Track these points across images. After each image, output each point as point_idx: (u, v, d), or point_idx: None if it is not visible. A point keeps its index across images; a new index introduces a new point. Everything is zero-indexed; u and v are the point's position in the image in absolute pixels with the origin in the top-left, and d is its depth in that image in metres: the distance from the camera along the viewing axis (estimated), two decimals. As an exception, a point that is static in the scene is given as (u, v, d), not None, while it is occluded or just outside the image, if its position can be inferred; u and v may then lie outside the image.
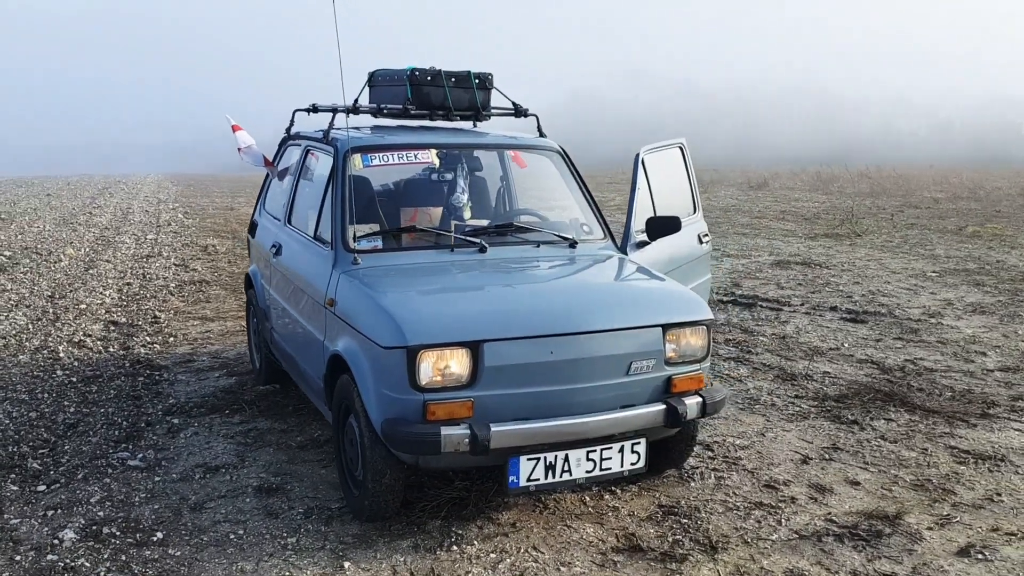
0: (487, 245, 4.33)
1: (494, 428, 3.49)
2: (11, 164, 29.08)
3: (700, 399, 3.88)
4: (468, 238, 4.38)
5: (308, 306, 4.42)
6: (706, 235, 5.71)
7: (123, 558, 3.56)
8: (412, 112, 4.87)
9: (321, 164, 4.83)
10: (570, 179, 4.93)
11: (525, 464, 3.60)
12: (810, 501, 4.14)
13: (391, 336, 3.52)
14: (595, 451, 3.71)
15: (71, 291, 8.97)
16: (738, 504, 4.09)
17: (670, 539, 3.74)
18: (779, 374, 6.13)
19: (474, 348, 3.52)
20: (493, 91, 5.12)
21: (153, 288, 9.19)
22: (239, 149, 5.63)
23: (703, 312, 3.98)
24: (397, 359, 3.48)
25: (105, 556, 3.57)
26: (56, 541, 3.68)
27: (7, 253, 11.71)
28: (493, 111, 5.14)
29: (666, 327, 3.84)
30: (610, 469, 3.76)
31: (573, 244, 4.55)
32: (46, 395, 5.61)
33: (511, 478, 3.60)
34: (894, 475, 4.43)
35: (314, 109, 4.97)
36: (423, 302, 3.87)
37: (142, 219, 16.02)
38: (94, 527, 3.80)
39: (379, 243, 4.30)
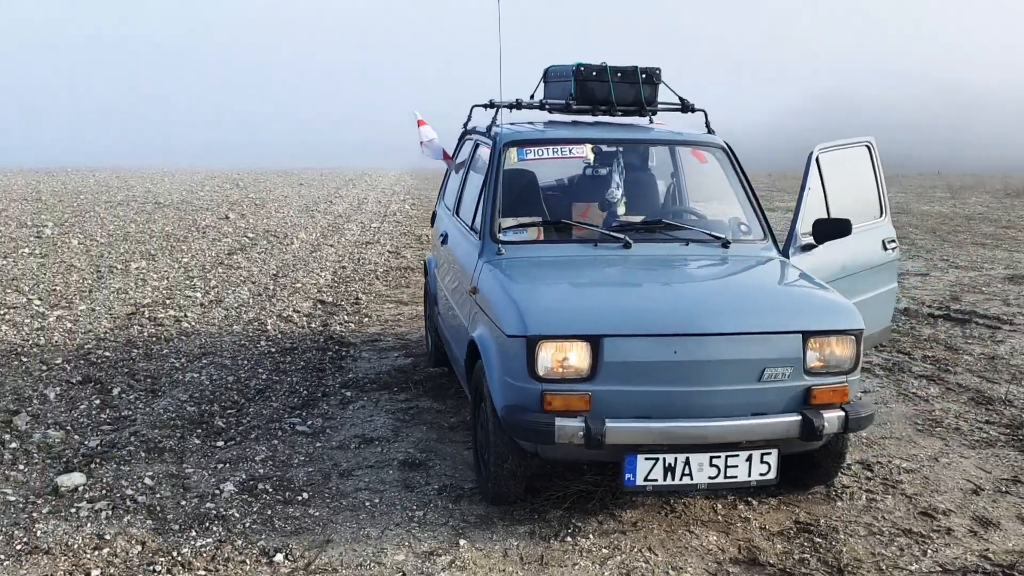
0: (631, 241, 4.30)
1: (609, 423, 3.49)
2: (278, 157, 31.91)
3: (842, 413, 3.67)
4: (613, 233, 4.37)
5: (459, 293, 4.60)
6: (892, 241, 5.34)
7: (268, 513, 3.88)
8: (574, 107, 4.91)
9: (485, 157, 4.99)
10: (733, 177, 4.79)
11: (643, 463, 3.57)
12: (968, 534, 3.80)
13: (515, 325, 3.60)
14: (719, 457, 3.61)
15: (292, 271, 9.76)
16: (884, 529, 3.83)
17: (796, 556, 3.58)
18: (974, 396, 5.63)
19: (594, 342, 3.53)
20: (662, 87, 5.05)
21: (363, 272, 9.84)
22: (421, 143, 5.93)
23: (851, 321, 3.75)
24: (518, 348, 3.55)
25: (254, 509, 3.91)
26: (217, 491, 4.07)
27: (250, 235, 12.92)
28: (660, 107, 5.08)
29: (807, 334, 3.66)
30: (736, 477, 3.64)
31: (726, 244, 4.42)
32: (245, 362, 6.18)
33: (627, 476, 3.57)
34: (1076, 516, 3.98)
35: (491, 105, 5.10)
36: (551, 294, 3.92)
37: (373, 209, 17.10)
38: (252, 482, 4.17)
39: (525, 235, 4.38)
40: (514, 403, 3.61)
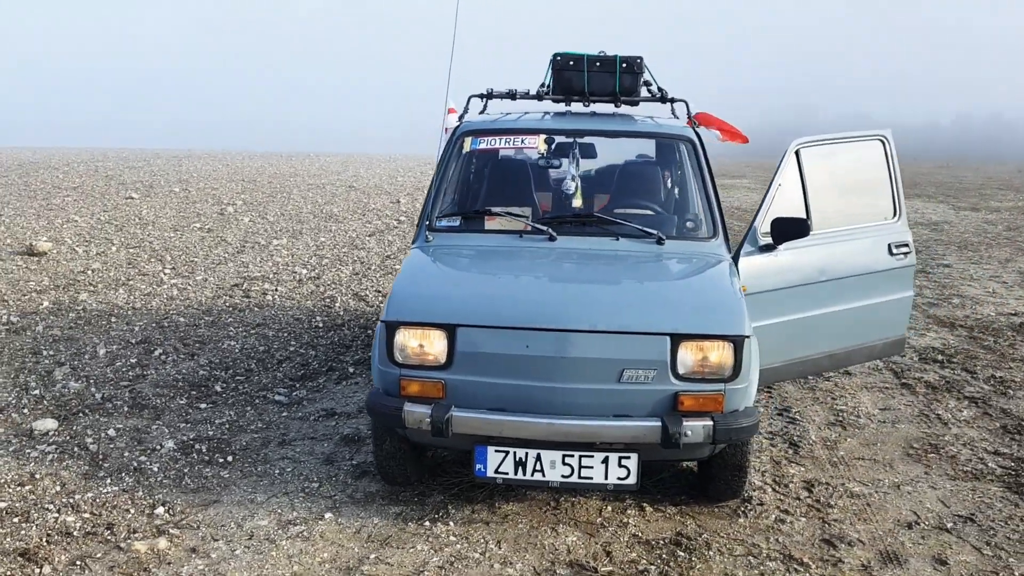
0: (556, 235, 4.24)
1: (455, 412, 3.51)
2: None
3: (710, 423, 3.47)
4: (537, 226, 4.33)
5: None
6: (903, 245, 4.87)
7: (185, 471, 4.22)
8: (545, 96, 4.88)
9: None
10: (695, 171, 4.57)
11: (493, 455, 3.57)
12: (856, 569, 3.48)
13: (385, 310, 3.70)
14: (572, 456, 3.54)
15: (404, 254, 10.22)
16: (765, 552, 3.58)
17: (639, 568, 3.44)
18: (1008, 425, 5.02)
19: (450, 331, 3.56)
20: (645, 75, 4.91)
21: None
22: (445, 130, 6.07)
23: (727, 326, 3.52)
24: (382, 333, 3.66)
25: (175, 466, 4.27)
26: (159, 447, 4.47)
27: (403, 219, 13.60)
28: (648, 96, 4.94)
29: (677, 337, 3.49)
30: (591, 479, 3.55)
31: (660, 240, 4.25)
32: (287, 334, 6.63)
33: (478, 466, 3.59)
34: (1007, 559, 3.52)
35: (489, 95, 5.12)
36: (426, 282, 3.96)
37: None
38: (192, 442, 4.54)
39: (456, 223, 4.43)
40: (380, 387, 3.71)
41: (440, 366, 3.57)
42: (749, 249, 4.36)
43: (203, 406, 5.10)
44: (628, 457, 3.53)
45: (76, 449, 4.39)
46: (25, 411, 4.89)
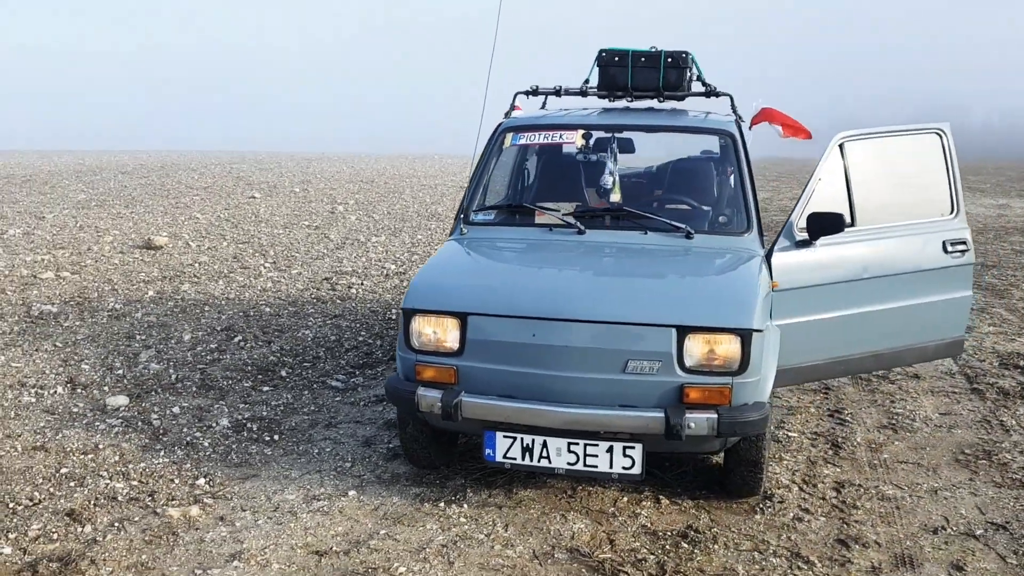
0: (585, 229, 4.31)
1: (465, 398, 3.64)
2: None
3: (714, 416, 3.47)
4: (565, 219, 4.39)
5: None
6: (960, 243, 4.68)
7: (233, 447, 4.49)
8: (589, 92, 4.95)
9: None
10: (733, 165, 4.54)
11: (501, 440, 3.68)
12: (866, 570, 3.41)
13: (404, 299, 3.87)
14: (578, 444, 3.60)
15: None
16: (773, 549, 3.54)
17: (637, 557, 3.47)
18: (1076, 434, 4.75)
19: (463, 320, 3.69)
20: (688, 70, 4.91)
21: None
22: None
23: (733, 319, 3.51)
24: (402, 320, 3.82)
25: (225, 442, 4.55)
26: (215, 424, 4.78)
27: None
28: (693, 92, 4.94)
29: (683, 329, 3.51)
30: (596, 467, 3.61)
31: (689, 235, 4.25)
32: (359, 325, 6.90)
33: (487, 451, 3.70)
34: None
35: (535, 92, 5.21)
36: (447, 272, 4.09)
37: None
38: (246, 422, 4.82)
39: (491, 216, 4.55)
40: (400, 372, 3.88)
41: (453, 353, 3.70)
42: (784, 244, 4.29)
43: (265, 389, 5.40)
44: (633, 447, 3.57)
45: (141, 424, 4.74)
46: (105, 388, 5.29)
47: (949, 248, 4.65)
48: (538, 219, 4.46)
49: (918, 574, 3.39)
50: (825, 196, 4.39)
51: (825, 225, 4.20)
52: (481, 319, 3.66)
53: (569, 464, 3.62)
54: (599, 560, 3.42)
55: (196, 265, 9.31)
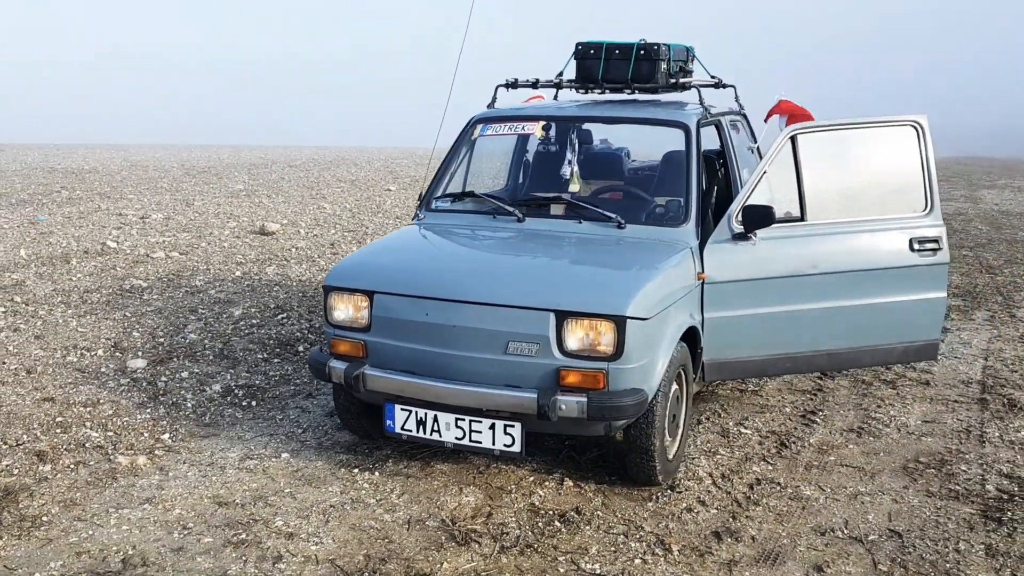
0: (524, 216, 4.45)
1: (367, 371, 3.91)
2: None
3: (583, 399, 3.57)
4: (506, 207, 4.54)
5: None
6: (930, 241, 4.47)
7: (212, 409, 4.93)
8: (565, 85, 5.06)
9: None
10: (688, 159, 4.53)
11: (399, 413, 3.91)
12: (723, 564, 3.41)
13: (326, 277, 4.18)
14: (464, 420, 3.79)
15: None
16: (641, 536, 3.59)
17: (504, 530, 3.62)
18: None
19: (371, 297, 3.96)
20: (662, 63, 4.93)
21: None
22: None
23: (611, 306, 3.59)
24: (323, 297, 4.14)
25: (205, 404, 5.00)
26: (208, 389, 5.26)
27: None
28: (686, 83, 4.96)
29: (562, 314, 3.63)
30: (480, 443, 3.79)
31: (620, 225, 4.31)
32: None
33: (388, 422, 3.95)
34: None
35: (514, 84, 5.38)
36: (373, 253, 4.34)
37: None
38: (236, 388, 5.27)
39: (447, 203, 4.77)
40: (322, 346, 4.19)
41: (362, 328, 3.97)
42: (721, 237, 4.27)
43: (275, 361, 5.85)
44: (513, 426, 3.71)
45: (146, 384, 5.28)
46: (139, 353, 5.90)
47: (916, 246, 4.45)
48: (482, 207, 4.63)
49: (776, 571, 3.34)
50: (775, 190, 4.32)
51: (755, 218, 4.16)
52: (385, 297, 3.90)
53: (457, 439, 3.80)
54: (464, 530, 3.59)
55: (292, 250, 9.98)
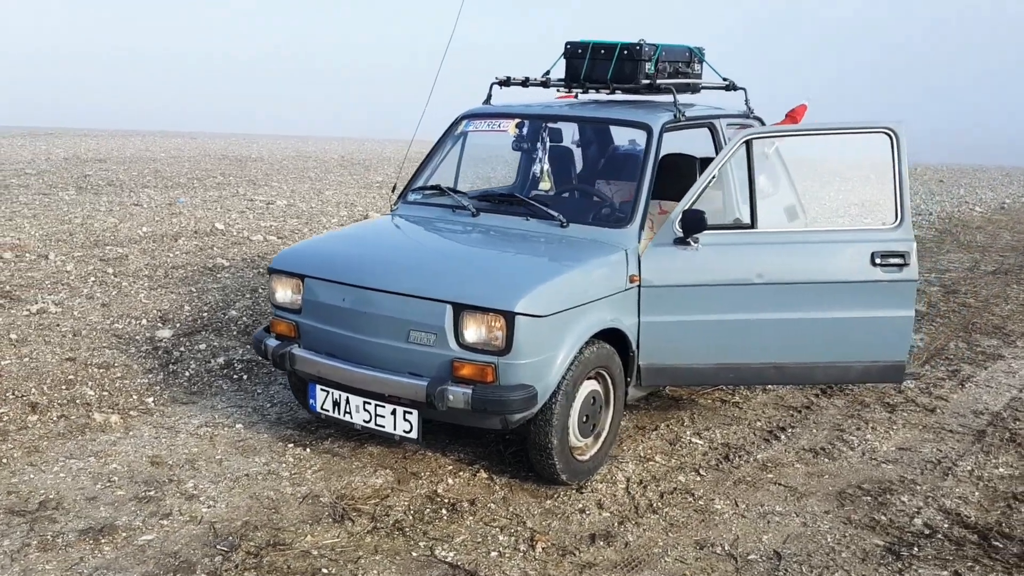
0: (478, 211, 4.55)
1: (293, 350, 4.14)
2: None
3: (469, 390, 3.66)
4: (462, 202, 4.63)
5: None
6: (896, 256, 4.21)
7: (205, 379, 5.30)
8: (552, 83, 5.10)
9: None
10: (645, 162, 4.48)
11: (319, 393, 4.12)
12: (579, 567, 3.41)
13: None
14: (371, 404, 3.95)
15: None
16: (518, 532, 3.63)
17: (391, 512, 3.75)
18: (1019, 493, 4.09)
19: (302, 280, 4.18)
20: (647, 63, 4.87)
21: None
22: None
23: (502, 301, 3.64)
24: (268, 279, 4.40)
25: (200, 375, 5.37)
26: (212, 360, 5.65)
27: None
28: (662, 83, 4.90)
29: (459, 306, 3.72)
30: (384, 427, 3.93)
31: (563, 224, 4.33)
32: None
33: (311, 400, 4.16)
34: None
35: (507, 82, 5.46)
36: (319, 240, 4.55)
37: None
38: (235, 362, 5.63)
39: (419, 197, 4.92)
40: (267, 325, 4.46)
41: (296, 310, 4.19)
42: (663, 241, 4.20)
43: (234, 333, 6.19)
44: (411, 413, 3.83)
45: (162, 353, 5.74)
46: (176, 324, 6.39)
47: (879, 260, 4.21)
48: (446, 201, 4.75)
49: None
50: (727, 196, 4.22)
51: (691, 223, 4.08)
52: (313, 281, 4.11)
53: (364, 421, 3.96)
54: (349, 507, 3.74)
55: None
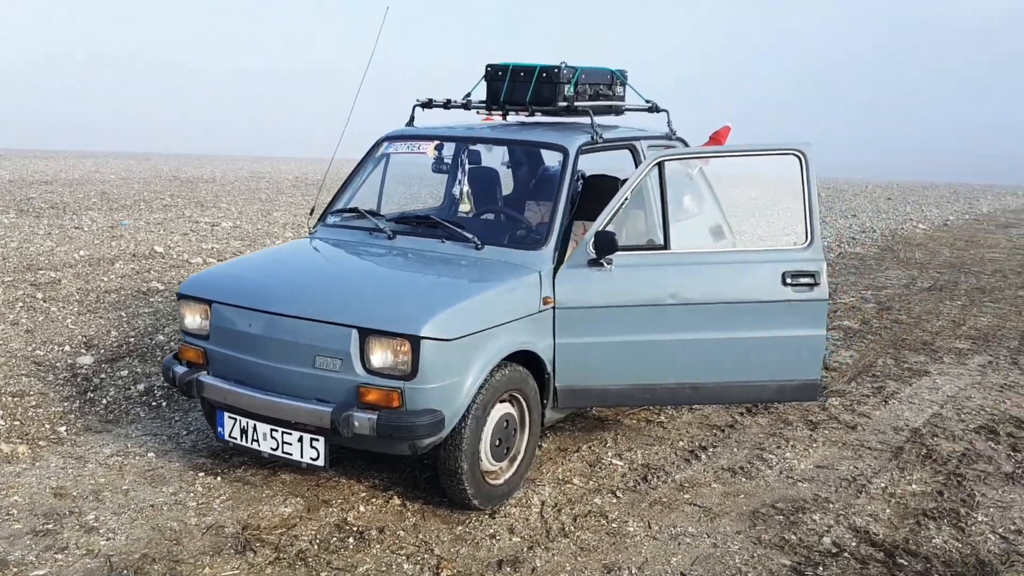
0: (394, 234, 4.51)
1: (201, 377, 4.06)
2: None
3: (374, 416, 3.60)
4: (379, 225, 4.59)
5: None
6: (806, 275, 4.24)
7: (121, 406, 5.19)
8: (473, 106, 5.09)
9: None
10: (560, 184, 4.47)
11: (228, 420, 4.04)
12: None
13: None
14: (278, 431, 3.88)
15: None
16: (424, 560, 3.58)
17: (294, 541, 3.67)
18: (957, 509, 4.11)
19: (209, 306, 4.11)
20: (567, 85, 4.88)
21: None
22: None
23: (407, 326, 3.59)
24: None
25: (121, 401, 5.27)
26: (134, 386, 5.53)
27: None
28: (579, 106, 4.89)
29: (365, 331, 3.67)
30: (291, 455, 3.86)
31: (478, 246, 4.30)
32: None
33: (219, 428, 4.08)
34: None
35: (428, 104, 5.43)
36: (232, 264, 4.50)
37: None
38: (155, 389, 5.53)
39: (338, 219, 4.87)
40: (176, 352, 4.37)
41: (204, 336, 4.12)
42: (577, 262, 4.19)
43: (159, 355, 6.09)
44: (317, 439, 3.77)
45: (81, 380, 5.62)
46: (100, 350, 6.27)
47: (790, 280, 4.23)
48: (365, 224, 4.70)
49: (530, 605, 3.25)
50: (649, 217, 4.23)
51: (602, 245, 4.07)
52: (220, 307, 4.04)
53: (271, 449, 3.89)
54: (253, 538, 3.66)
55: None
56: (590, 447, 4.75)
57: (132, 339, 6.57)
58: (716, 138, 5.46)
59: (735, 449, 4.78)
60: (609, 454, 4.66)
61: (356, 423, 3.59)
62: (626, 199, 4.21)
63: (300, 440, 3.80)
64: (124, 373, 5.76)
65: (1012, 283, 10.24)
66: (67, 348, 6.25)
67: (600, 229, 4.12)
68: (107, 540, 3.62)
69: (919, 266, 11.28)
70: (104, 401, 5.26)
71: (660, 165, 4.25)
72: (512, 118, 5.31)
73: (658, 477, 4.38)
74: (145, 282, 8.62)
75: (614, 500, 4.13)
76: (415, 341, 3.56)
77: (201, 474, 4.26)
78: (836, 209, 18.92)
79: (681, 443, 4.85)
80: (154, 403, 5.28)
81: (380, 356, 3.64)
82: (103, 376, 5.68)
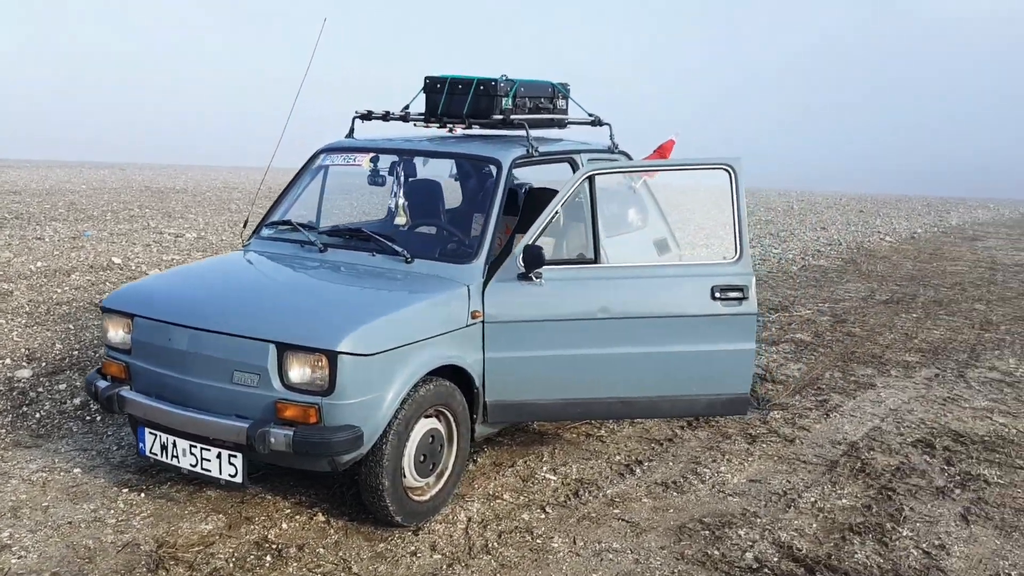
0: (325, 247, 4.48)
1: (121, 392, 4.00)
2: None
3: (291, 432, 3.56)
4: (309, 237, 4.56)
5: None
6: (735, 289, 4.24)
7: (55, 420, 5.12)
8: (410, 118, 5.07)
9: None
10: (493, 196, 4.45)
11: (148, 436, 3.98)
12: (397, 609, 3.32)
13: None
14: (196, 447, 3.83)
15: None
16: (327, 566, 3.54)
17: (204, 558, 3.62)
18: (884, 524, 4.10)
19: (131, 320, 4.05)
20: (504, 98, 4.87)
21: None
22: None
23: (324, 340, 3.55)
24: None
25: (55, 415, 5.20)
26: (68, 400, 5.46)
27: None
28: (515, 119, 4.87)
29: (282, 346, 3.63)
30: (210, 472, 3.81)
31: (408, 260, 4.27)
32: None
33: (140, 444, 4.02)
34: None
35: (368, 115, 5.40)
36: (159, 277, 4.45)
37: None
38: (91, 403, 5.44)
39: (272, 232, 4.82)
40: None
41: (127, 351, 4.06)
42: (507, 276, 4.17)
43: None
44: (235, 456, 3.72)
45: (17, 394, 5.54)
46: (42, 363, 6.18)
47: (719, 295, 4.23)
48: (297, 237, 4.66)
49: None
50: (580, 231, 4.22)
51: (530, 259, 4.05)
52: (141, 321, 3.99)
53: (191, 465, 3.83)
54: (168, 556, 3.61)
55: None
56: (525, 462, 4.71)
57: (76, 352, 6.49)
58: (661, 151, 5.47)
59: (671, 463, 4.76)
60: (544, 468, 4.63)
61: (272, 439, 3.55)
62: (556, 212, 4.20)
63: (219, 456, 3.75)
64: (62, 387, 5.68)
65: (969, 295, 10.30)
66: (8, 361, 6.16)
67: (529, 243, 4.10)
68: (18, 558, 3.56)
69: (879, 279, 11.34)
70: (38, 415, 5.18)
71: (591, 179, 4.24)
72: (461, 131, 5.30)
73: (590, 492, 4.36)
74: (99, 294, 8.53)
75: (542, 516, 4.10)
76: (332, 356, 3.52)
77: (125, 490, 4.20)
78: (807, 222, 19.01)
79: (618, 457, 4.82)
80: (88, 417, 5.20)
81: (298, 371, 3.60)
82: (40, 390, 5.60)
